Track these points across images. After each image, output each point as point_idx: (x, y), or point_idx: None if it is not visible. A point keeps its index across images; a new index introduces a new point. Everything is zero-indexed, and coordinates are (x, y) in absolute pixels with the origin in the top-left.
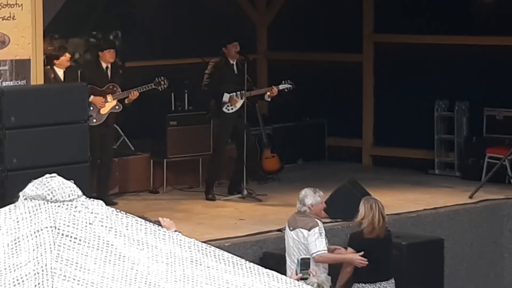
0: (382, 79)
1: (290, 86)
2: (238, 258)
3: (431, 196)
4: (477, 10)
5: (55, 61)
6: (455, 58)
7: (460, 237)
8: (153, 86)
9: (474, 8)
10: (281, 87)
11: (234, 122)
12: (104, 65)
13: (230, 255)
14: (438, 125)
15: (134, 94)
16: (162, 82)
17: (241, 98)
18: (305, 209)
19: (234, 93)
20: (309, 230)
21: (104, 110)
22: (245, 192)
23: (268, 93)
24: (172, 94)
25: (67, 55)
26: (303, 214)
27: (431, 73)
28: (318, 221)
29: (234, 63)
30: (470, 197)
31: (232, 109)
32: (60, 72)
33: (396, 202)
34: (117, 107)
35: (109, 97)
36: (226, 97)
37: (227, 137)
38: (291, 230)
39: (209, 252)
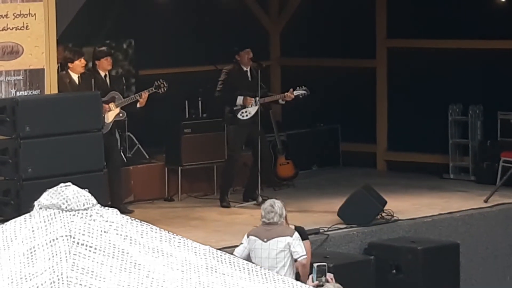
0: (395, 84)
1: (305, 92)
2: (253, 265)
3: (446, 201)
4: (490, 14)
5: (69, 65)
6: (469, 62)
7: (476, 241)
8: (154, 90)
9: (488, 12)
10: (295, 92)
11: (249, 129)
12: (102, 73)
13: (246, 261)
14: (452, 129)
15: (145, 96)
16: (162, 85)
17: (256, 105)
18: (282, 221)
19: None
20: (291, 236)
21: (108, 119)
22: (260, 199)
23: (283, 98)
24: (186, 101)
25: (82, 61)
26: (276, 224)
27: (444, 78)
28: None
29: (248, 69)
30: (485, 201)
31: (247, 115)
32: (75, 77)
33: (411, 207)
34: (120, 114)
35: (111, 106)
36: (239, 99)
37: (241, 144)
38: (265, 242)
39: (225, 259)
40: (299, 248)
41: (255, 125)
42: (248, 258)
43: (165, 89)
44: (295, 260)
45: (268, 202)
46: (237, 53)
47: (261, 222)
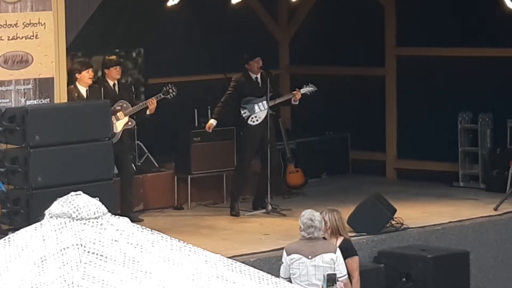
0: (404, 92)
1: (312, 89)
2: (264, 273)
3: (456, 209)
4: (499, 22)
5: (76, 76)
6: (478, 70)
7: (486, 250)
8: (162, 96)
9: (497, 20)
10: (303, 90)
11: (261, 135)
12: (111, 82)
13: (256, 270)
14: (462, 137)
15: (152, 103)
16: (171, 90)
17: (264, 108)
18: (322, 234)
19: (255, 105)
20: (335, 252)
21: (117, 128)
22: (270, 207)
23: (294, 97)
24: (195, 110)
25: (90, 72)
26: (317, 238)
27: (454, 86)
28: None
29: (258, 76)
30: (495, 209)
31: (257, 120)
32: (83, 91)
33: (421, 215)
34: (129, 123)
35: (120, 115)
36: (246, 113)
37: (252, 150)
38: (310, 258)
39: (235, 267)
40: (342, 267)
41: (267, 131)
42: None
43: (174, 94)
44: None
45: (307, 215)
46: (247, 62)
47: (300, 235)
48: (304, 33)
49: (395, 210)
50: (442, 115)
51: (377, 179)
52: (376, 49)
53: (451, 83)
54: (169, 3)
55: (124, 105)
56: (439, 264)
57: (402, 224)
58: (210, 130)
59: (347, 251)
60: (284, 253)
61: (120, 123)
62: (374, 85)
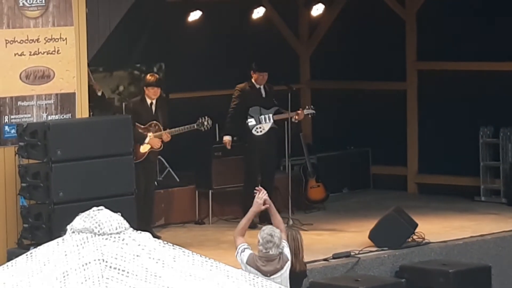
0: (426, 106)
1: (314, 112)
2: None
3: (478, 223)
4: None
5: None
6: (499, 84)
7: (508, 264)
8: (195, 127)
9: None
10: (305, 112)
11: (263, 148)
12: (148, 101)
13: (278, 285)
14: (483, 151)
15: (167, 137)
16: (206, 123)
17: (269, 121)
18: (280, 251)
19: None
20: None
21: (144, 149)
22: (291, 222)
23: (296, 116)
24: (216, 125)
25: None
26: (276, 255)
27: (475, 100)
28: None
29: (261, 87)
30: None
31: (261, 131)
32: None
33: (442, 230)
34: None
35: (149, 135)
36: (252, 122)
37: (257, 163)
38: (269, 276)
39: (257, 282)
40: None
41: (269, 145)
42: None
43: (209, 127)
44: None
45: (267, 230)
46: (254, 71)
47: (258, 250)
48: (325, 47)
49: (416, 225)
50: (464, 130)
51: (398, 193)
52: (397, 64)
53: (473, 98)
54: (190, 18)
55: (156, 126)
56: (460, 279)
57: (423, 238)
58: (229, 147)
59: None
60: (244, 263)
61: (146, 145)
62: (395, 100)
